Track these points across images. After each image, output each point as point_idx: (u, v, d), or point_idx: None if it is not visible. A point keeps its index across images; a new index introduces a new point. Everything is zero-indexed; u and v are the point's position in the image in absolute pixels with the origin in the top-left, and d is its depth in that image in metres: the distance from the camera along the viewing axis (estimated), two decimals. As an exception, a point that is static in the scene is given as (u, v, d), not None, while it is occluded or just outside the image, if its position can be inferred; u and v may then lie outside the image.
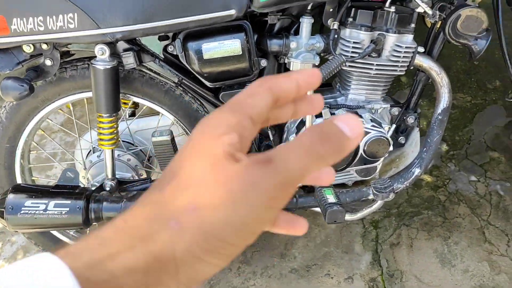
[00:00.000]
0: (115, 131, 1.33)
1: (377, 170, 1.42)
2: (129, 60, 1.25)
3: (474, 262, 1.59)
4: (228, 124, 0.29)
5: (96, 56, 1.23)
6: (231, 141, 0.28)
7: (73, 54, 1.40)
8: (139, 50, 1.27)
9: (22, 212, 1.24)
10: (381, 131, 1.33)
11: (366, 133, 1.32)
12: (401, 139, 1.49)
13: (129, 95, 1.39)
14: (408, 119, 1.46)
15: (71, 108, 1.49)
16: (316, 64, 1.33)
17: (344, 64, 1.26)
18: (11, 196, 1.26)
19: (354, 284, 1.56)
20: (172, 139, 1.27)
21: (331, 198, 1.23)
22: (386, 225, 1.73)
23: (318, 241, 1.71)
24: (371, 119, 1.35)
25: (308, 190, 1.45)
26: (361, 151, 1.33)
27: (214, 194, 0.26)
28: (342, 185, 1.47)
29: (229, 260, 0.27)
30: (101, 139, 1.33)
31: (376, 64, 1.32)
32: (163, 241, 0.26)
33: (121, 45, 1.26)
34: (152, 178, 1.51)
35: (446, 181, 1.87)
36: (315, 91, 1.49)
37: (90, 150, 1.55)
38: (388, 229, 1.72)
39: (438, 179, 1.88)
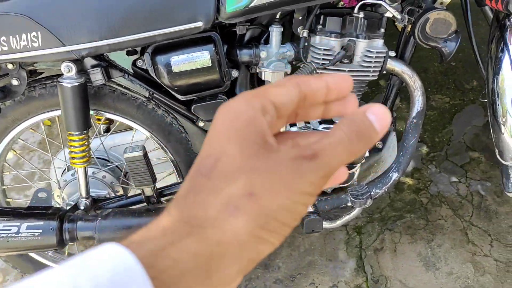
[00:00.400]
0: (86, 149, 1.30)
1: (355, 177, 1.41)
2: (97, 77, 1.24)
3: (458, 264, 1.58)
4: (254, 107, 0.30)
5: (63, 74, 1.21)
6: (263, 126, 0.30)
7: (42, 73, 1.39)
8: (107, 65, 1.26)
9: (-7, 236, 1.21)
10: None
11: (341, 139, 1.31)
12: (378, 144, 1.48)
13: (101, 111, 1.37)
14: (384, 123, 1.45)
15: (43, 127, 1.47)
16: (288, 72, 1.32)
17: (315, 71, 1.25)
18: (-18, 220, 1.23)
19: (338, 292, 1.54)
20: (145, 154, 1.25)
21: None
22: (369, 231, 1.72)
23: (302, 250, 1.70)
24: (345, 125, 1.34)
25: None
26: (337, 158, 1.32)
27: (269, 181, 0.28)
28: (321, 193, 1.45)
29: (283, 239, 0.30)
30: (73, 158, 1.30)
31: (348, 70, 1.31)
32: (224, 226, 0.28)
33: (89, 62, 1.24)
34: (129, 195, 1.48)
35: (427, 183, 1.86)
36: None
37: (65, 169, 1.52)
38: (372, 235, 1.70)
39: (419, 181, 1.88)
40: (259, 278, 1.62)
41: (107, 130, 1.66)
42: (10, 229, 1.22)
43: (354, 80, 1.33)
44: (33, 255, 1.55)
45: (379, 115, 0.31)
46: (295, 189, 0.29)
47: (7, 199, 1.56)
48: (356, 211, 1.34)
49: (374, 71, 1.33)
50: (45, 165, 2.17)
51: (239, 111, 0.30)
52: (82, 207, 1.34)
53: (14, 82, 1.24)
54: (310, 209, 1.20)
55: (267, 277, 1.62)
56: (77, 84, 1.21)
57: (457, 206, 1.77)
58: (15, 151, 1.53)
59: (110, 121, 1.65)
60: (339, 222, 1.38)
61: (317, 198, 1.37)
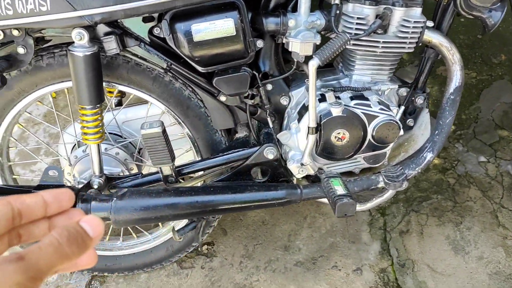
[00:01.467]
0: (100, 124, 1.21)
1: (387, 156, 1.32)
2: (111, 45, 1.13)
3: (489, 248, 1.51)
4: None
5: (74, 42, 1.10)
6: None
7: (50, 40, 1.28)
8: (121, 33, 1.15)
9: (1, 216, 1.13)
10: (390, 115, 1.22)
11: (374, 117, 1.21)
12: (410, 122, 1.39)
13: (113, 84, 1.28)
14: (417, 99, 1.36)
15: (51, 99, 1.37)
16: (317, 43, 1.21)
17: (349, 42, 1.14)
18: (-11, 200, 1.14)
19: (363, 276, 1.47)
20: (164, 130, 1.16)
21: (340, 190, 1.13)
22: (394, 212, 1.64)
23: (323, 231, 1.62)
24: (378, 102, 1.24)
25: (312, 180, 1.35)
26: (369, 136, 1.22)
27: None
28: (349, 173, 1.37)
29: None
30: (85, 133, 1.21)
31: (383, 42, 1.21)
32: None
33: (102, 29, 1.13)
34: (143, 172, 1.40)
35: (454, 163, 1.77)
36: (319, 70, 1.37)
37: (75, 144, 1.44)
38: (396, 216, 1.63)
39: (446, 161, 1.79)
40: (279, 260, 1.55)
41: (119, 104, 1.57)
42: (20, 210, 1.14)
43: (389, 52, 1.23)
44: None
45: (92, 224, 0.35)
46: None
47: (14, 176, 1.48)
48: (389, 194, 1.26)
49: (410, 43, 1.22)
50: (51, 139, 2.08)
51: None
52: (95, 186, 1.26)
53: (20, 50, 1.13)
54: (343, 191, 1.12)
55: (287, 259, 1.55)
56: (89, 53, 1.11)
57: (486, 187, 1.68)
58: (21, 125, 1.44)
59: (122, 94, 1.55)
60: (369, 205, 1.30)
61: (345, 180, 1.28)
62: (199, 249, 1.60)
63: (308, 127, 1.20)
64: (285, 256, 1.56)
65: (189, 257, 1.59)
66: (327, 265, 1.52)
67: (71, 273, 1.59)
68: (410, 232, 1.58)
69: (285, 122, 1.36)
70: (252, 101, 1.29)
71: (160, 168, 1.23)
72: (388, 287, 1.44)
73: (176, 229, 1.36)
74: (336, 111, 1.19)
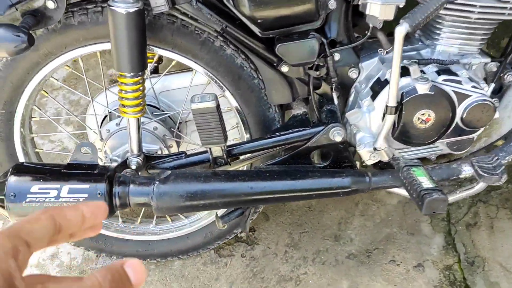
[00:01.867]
0: (141, 95, 1.03)
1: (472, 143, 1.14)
2: (158, 1, 0.94)
3: None
4: (4, 249, 0.30)
5: (114, -4, 0.91)
6: (9, 269, 0.29)
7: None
8: (171, -13, 0.96)
9: (28, 200, 0.97)
10: (484, 94, 1.03)
11: (466, 96, 1.02)
12: (495, 102, 1.19)
13: (154, 47, 1.09)
14: (506, 76, 1.16)
15: (81, 63, 1.19)
16: (401, 5, 1.01)
17: (445, 5, 0.94)
18: (12, 179, 0.98)
19: (426, 273, 1.31)
20: (218, 105, 0.98)
21: (425, 182, 0.96)
22: (458, 202, 1.47)
23: (378, 220, 1.46)
24: (469, 78, 1.05)
25: (380, 167, 1.17)
26: (457, 119, 1.04)
27: None
28: (423, 160, 1.19)
29: None
30: (123, 105, 1.04)
31: (480, 6, 1.00)
32: None
33: (148, -19, 0.94)
34: (182, 150, 1.23)
35: (525, 148, 1.59)
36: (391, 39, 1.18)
37: (106, 116, 1.26)
38: (462, 207, 1.45)
39: (515, 145, 1.60)
40: (328, 251, 1.39)
41: (155, 71, 1.38)
42: (49, 193, 0.98)
43: (484, 18, 1.03)
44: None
45: (136, 270, 0.33)
46: None
47: (36, 150, 1.31)
48: (479, 186, 1.08)
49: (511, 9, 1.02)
50: (71, 107, 1.91)
51: None
52: (133, 166, 1.09)
53: (50, 4, 0.95)
54: (431, 185, 0.94)
55: (338, 251, 1.39)
56: (133, 10, 0.92)
57: None
58: (46, 92, 1.26)
59: (159, 60, 1.36)
60: (452, 198, 1.12)
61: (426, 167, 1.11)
62: (238, 235, 1.45)
63: (387, 106, 1.01)
64: (335, 247, 1.40)
65: (227, 243, 1.44)
66: (383, 259, 1.36)
67: (97, 256, 1.44)
68: (478, 226, 1.41)
69: (351, 99, 1.17)
70: (318, 72, 1.10)
71: (209, 148, 1.06)
72: (455, 287, 1.28)
73: (219, 215, 1.20)
74: (423, 88, 1.00)
